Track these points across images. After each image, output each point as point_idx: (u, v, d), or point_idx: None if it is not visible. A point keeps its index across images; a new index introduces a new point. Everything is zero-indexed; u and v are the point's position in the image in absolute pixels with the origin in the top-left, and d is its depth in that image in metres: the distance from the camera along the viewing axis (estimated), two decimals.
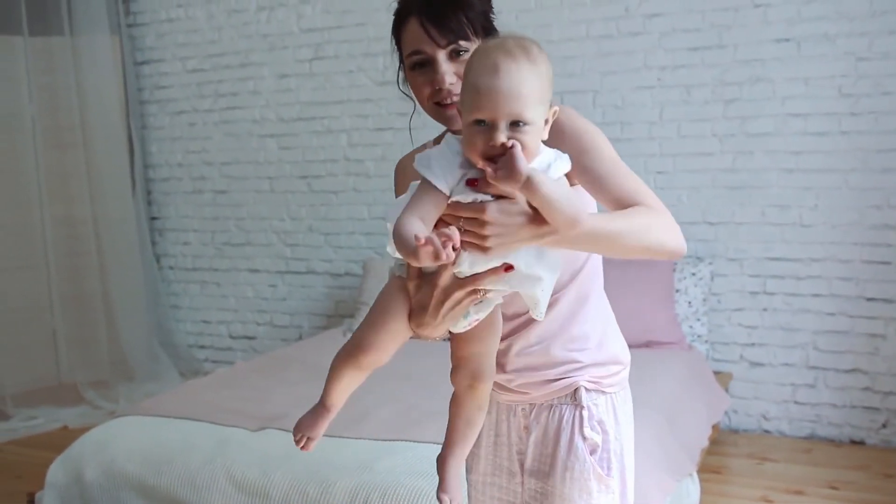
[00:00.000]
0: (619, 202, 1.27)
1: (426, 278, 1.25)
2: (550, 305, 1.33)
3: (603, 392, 1.41)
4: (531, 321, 1.38)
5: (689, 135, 3.76)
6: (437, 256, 1.06)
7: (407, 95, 1.46)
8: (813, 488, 3.19)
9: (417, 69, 1.37)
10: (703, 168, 3.75)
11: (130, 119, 4.87)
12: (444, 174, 1.16)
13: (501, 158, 1.10)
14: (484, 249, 1.15)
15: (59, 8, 4.57)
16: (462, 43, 1.34)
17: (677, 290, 3.66)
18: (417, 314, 1.27)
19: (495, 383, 1.42)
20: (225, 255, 4.88)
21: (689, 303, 3.66)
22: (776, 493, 3.16)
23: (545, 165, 1.17)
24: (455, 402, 1.38)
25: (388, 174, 4.37)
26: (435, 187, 1.16)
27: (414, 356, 2.70)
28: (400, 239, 1.13)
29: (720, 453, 3.53)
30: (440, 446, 1.42)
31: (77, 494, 2.55)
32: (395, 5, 1.41)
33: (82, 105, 4.68)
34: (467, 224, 1.14)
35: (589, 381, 1.40)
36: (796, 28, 3.53)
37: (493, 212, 1.13)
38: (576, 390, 1.39)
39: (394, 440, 2.45)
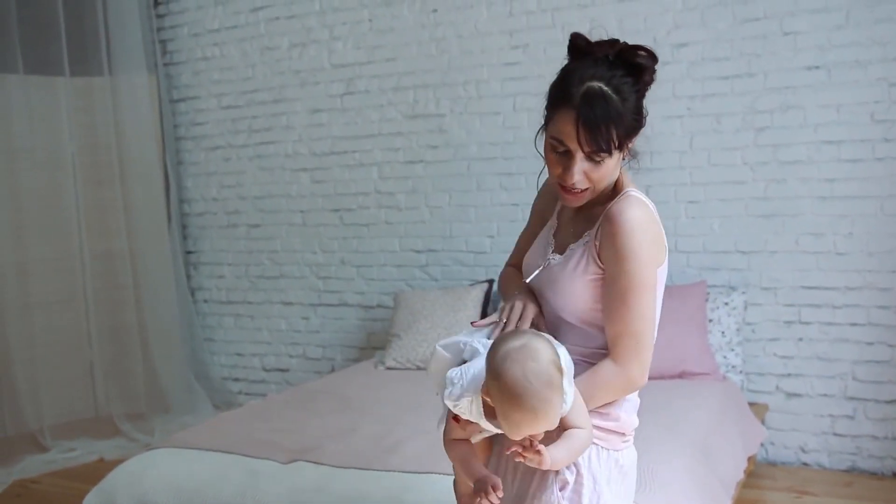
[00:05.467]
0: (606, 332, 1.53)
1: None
2: None
3: None
4: None
5: (719, 163, 3.74)
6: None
7: (540, 154, 1.57)
8: None
9: (555, 151, 1.49)
10: (735, 197, 3.72)
11: (166, 155, 4.97)
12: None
13: (529, 450, 1.37)
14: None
15: (99, 49, 4.70)
16: (602, 154, 1.46)
17: (710, 320, 3.62)
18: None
19: None
20: (259, 288, 4.93)
21: (723, 333, 3.61)
22: None
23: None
24: None
25: (419, 206, 4.40)
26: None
27: None
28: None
29: (757, 486, 3.46)
30: None
31: None
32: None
33: (120, 142, 4.78)
34: None
35: None
36: (827, 55, 3.51)
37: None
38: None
39: (424, 472, 2.44)
